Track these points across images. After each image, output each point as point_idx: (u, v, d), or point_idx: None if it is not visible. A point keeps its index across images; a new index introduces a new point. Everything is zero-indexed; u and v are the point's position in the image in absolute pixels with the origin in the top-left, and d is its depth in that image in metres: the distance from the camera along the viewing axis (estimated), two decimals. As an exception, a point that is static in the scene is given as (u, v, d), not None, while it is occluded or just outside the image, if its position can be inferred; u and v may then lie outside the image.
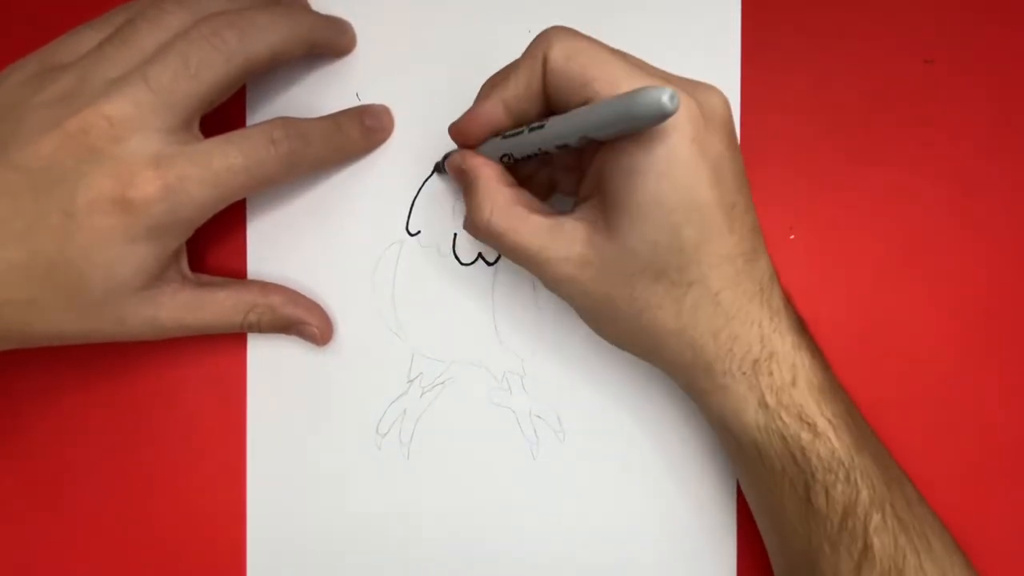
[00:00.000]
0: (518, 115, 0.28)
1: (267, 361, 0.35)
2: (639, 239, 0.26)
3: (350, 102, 0.34)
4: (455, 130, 0.30)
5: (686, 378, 0.29)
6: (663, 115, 0.22)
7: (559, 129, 0.26)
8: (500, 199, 0.28)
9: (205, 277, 0.32)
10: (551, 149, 0.27)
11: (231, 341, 0.35)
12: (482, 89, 0.29)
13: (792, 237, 0.34)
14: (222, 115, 0.31)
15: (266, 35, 0.29)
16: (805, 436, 0.27)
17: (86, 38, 0.29)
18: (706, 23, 0.34)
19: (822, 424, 0.27)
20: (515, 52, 0.34)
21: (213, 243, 0.34)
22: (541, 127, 0.27)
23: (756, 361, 0.27)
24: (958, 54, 0.34)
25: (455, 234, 0.34)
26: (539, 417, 0.34)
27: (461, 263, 0.34)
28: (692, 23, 0.33)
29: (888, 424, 0.33)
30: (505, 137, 0.29)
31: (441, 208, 0.34)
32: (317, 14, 0.33)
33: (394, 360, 0.34)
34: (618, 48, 0.27)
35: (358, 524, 0.34)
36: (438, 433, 0.34)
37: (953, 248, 0.34)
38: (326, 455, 0.34)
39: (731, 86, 0.33)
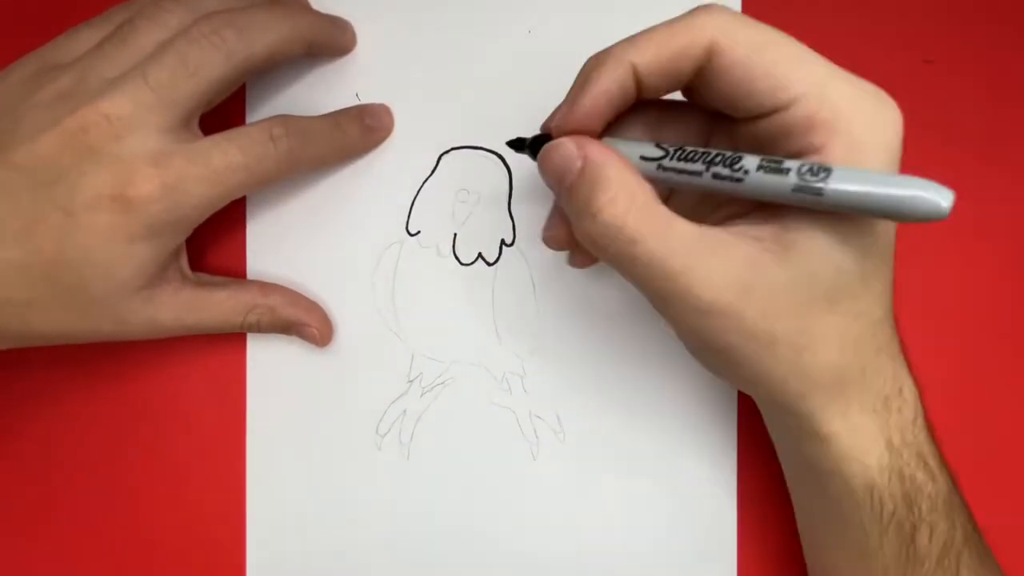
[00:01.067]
0: (651, 90, 0.23)
1: (267, 361, 0.35)
2: (824, 263, 0.22)
3: (350, 102, 0.34)
4: (575, 118, 0.24)
5: (809, 421, 0.25)
6: (939, 218, 0.19)
7: (763, 189, 0.21)
8: (640, 196, 0.22)
9: (205, 277, 0.33)
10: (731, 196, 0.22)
11: (231, 341, 0.35)
12: (591, 60, 0.24)
13: None
14: (222, 114, 0.31)
15: (265, 34, 0.29)
16: (920, 476, 0.26)
17: (85, 37, 0.29)
18: (706, 23, 0.33)
19: (933, 463, 0.26)
20: (515, 52, 0.34)
21: (213, 243, 0.34)
22: (736, 179, 0.21)
23: (887, 397, 0.25)
24: (958, 54, 0.34)
25: (455, 234, 0.34)
26: (539, 417, 0.34)
27: (461, 263, 0.34)
28: (692, 23, 0.33)
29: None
30: (664, 169, 0.23)
31: (441, 208, 0.34)
32: (317, 13, 0.33)
33: (394, 360, 0.34)
34: None
35: (358, 524, 0.34)
36: (438, 433, 0.34)
37: (952, 248, 0.34)
38: (326, 455, 0.34)
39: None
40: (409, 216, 0.34)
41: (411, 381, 0.34)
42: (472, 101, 0.34)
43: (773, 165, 0.21)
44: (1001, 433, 0.34)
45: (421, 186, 0.34)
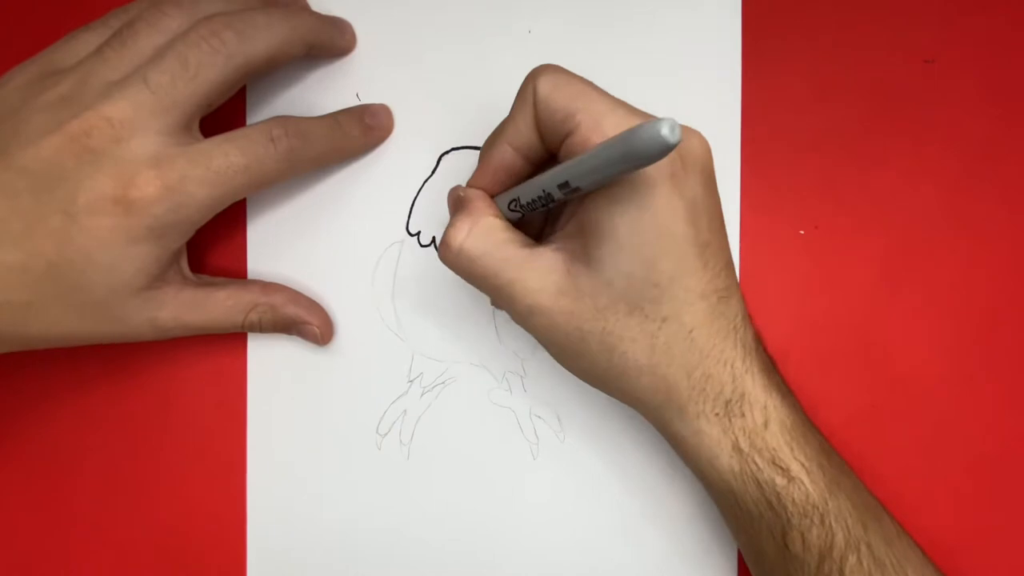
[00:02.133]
0: (526, 153, 0.28)
1: (267, 361, 0.35)
2: (615, 270, 0.26)
3: (350, 102, 0.34)
4: (471, 182, 0.30)
5: (660, 420, 0.28)
6: (666, 148, 0.21)
7: (560, 173, 0.25)
8: (482, 223, 0.28)
9: (206, 277, 0.33)
10: (555, 194, 0.26)
11: (231, 341, 0.35)
12: (487, 140, 0.29)
13: (802, 232, 0.34)
14: (222, 115, 0.31)
15: (264, 36, 0.29)
16: (779, 481, 0.27)
17: (85, 41, 0.29)
18: (706, 23, 0.33)
19: (795, 468, 0.27)
20: (515, 52, 0.34)
21: (213, 243, 0.34)
22: (549, 196, 0.26)
23: (728, 402, 0.27)
24: (958, 54, 0.34)
25: (455, 234, 0.34)
26: (539, 417, 0.34)
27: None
28: (692, 23, 0.33)
29: (882, 427, 0.33)
30: (514, 206, 0.28)
31: (441, 208, 0.34)
32: (317, 14, 0.33)
33: (394, 360, 0.34)
34: (600, 86, 0.27)
35: (358, 524, 0.34)
36: (438, 433, 0.34)
37: (953, 248, 0.34)
38: (326, 455, 0.34)
39: (731, 86, 0.33)
40: (409, 216, 0.34)
41: (411, 381, 0.34)
42: (472, 101, 0.34)
43: (558, 175, 0.26)
44: (1002, 434, 0.34)
45: (421, 186, 0.34)
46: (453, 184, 0.34)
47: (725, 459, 0.27)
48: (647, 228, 0.25)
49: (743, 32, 0.33)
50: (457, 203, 0.29)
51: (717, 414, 0.27)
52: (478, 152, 0.34)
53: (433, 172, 0.34)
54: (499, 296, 0.28)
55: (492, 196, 0.29)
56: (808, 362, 0.33)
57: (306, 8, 0.33)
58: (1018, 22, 0.34)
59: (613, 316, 0.26)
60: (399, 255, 0.34)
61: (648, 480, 0.34)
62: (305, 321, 0.33)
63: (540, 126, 0.27)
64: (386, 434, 0.34)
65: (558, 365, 0.34)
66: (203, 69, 0.28)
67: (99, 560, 0.35)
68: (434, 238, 0.34)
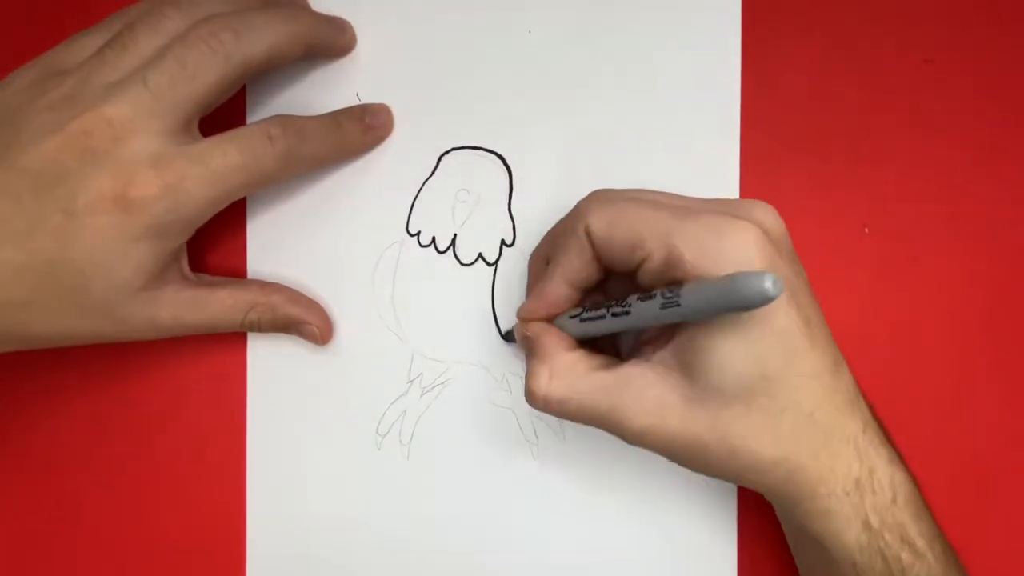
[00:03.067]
0: (582, 287, 0.28)
1: (267, 361, 0.35)
2: (724, 375, 0.25)
3: (350, 102, 0.34)
4: (525, 312, 0.30)
5: (787, 504, 0.28)
6: (767, 301, 0.22)
7: (646, 315, 0.25)
8: (560, 363, 0.27)
9: (205, 277, 0.33)
10: (647, 325, 0.26)
11: (231, 341, 0.35)
12: (531, 264, 0.30)
13: (867, 231, 0.33)
14: (222, 115, 0.31)
15: (263, 36, 0.29)
16: (906, 557, 0.26)
17: (86, 44, 0.29)
18: (706, 23, 0.33)
19: (921, 544, 0.27)
20: (515, 52, 0.34)
21: (213, 243, 0.34)
22: (626, 312, 0.26)
23: (858, 480, 0.26)
24: (958, 54, 0.34)
25: (455, 234, 0.34)
26: (539, 417, 0.34)
27: (461, 263, 0.34)
28: (692, 23, 0.33)
29: (889, 424, 0.33)
30: (583, 320, 0.28)
31: (441, 208, 0.34)
32: (316, 14, 0.33)
33: (394, 360, 0.34)
34: (651, 189, 0.28)
35: (358, 524, 0.34)
36: (438, 433, 0.34)
37: (953, 248, 0.34)
38: (326, 455, 0.34)
39: (731, 86, 0.33)
40: (409, 216, 0.34)
41: (411, 381, 0.34)
42: (472, 101, 0.34)
43: (645, 296, 0.26)
44: (1002, 434, 0.34)
45: (421, 186, 0.34)
46: (453, 184, 0.34)
47: (853, 535, 0.27)
48: (751, 329, 0.25)
49: (743, 32, 0.33)
50: (527, 345, 0.29)
51: (847, 492, 0.26)
52: (478, 152, 0.34)
53: (433, 172, 0.34)
54: (606, 427, 0.27)
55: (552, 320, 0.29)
56: (808, 362, 0.33)
57: (306, 8, 0.33)
58: (1018, 22, 0.34)
59: (730, 419, 0.26)
60: (399, 255, 0.34)
61: (648, 480, 0.34)
62: (304, 321, 0.33)
63: (601, 260, 0.27)
64: (386, 434, 0.34)
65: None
66: (202, 70, 0.28)
67: (99, 560, 0.35)
68: (434, 238, 0.34)
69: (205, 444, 0.35)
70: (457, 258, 0.34)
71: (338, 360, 0.34)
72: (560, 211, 0.33)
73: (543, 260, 0.30)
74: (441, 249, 0.34)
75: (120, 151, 0.27)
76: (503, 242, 0.34)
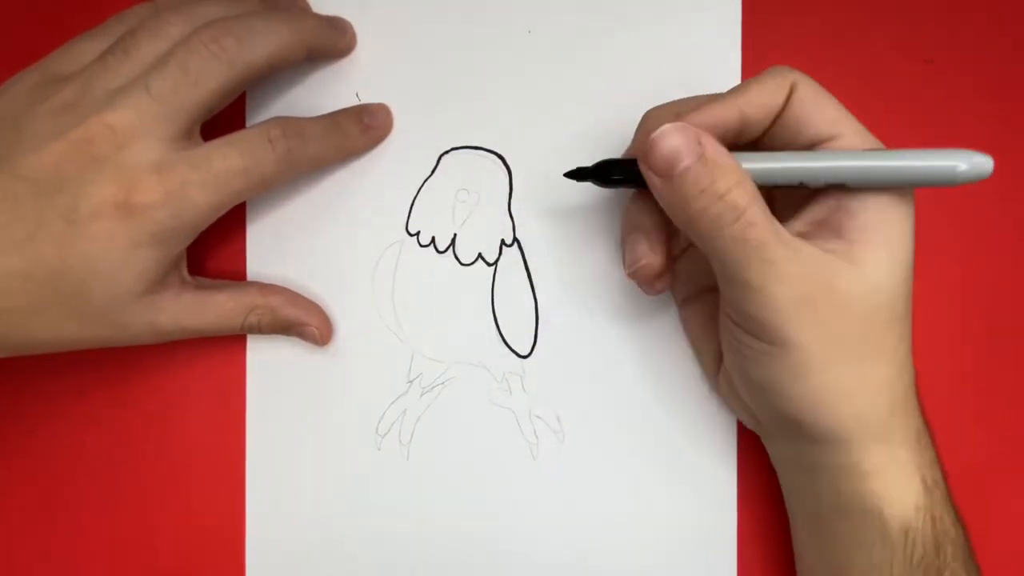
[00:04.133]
0: (746, 127, 0.26)
1: (267, 361, 0.35)
2: (886, 276, 0.25)
3: (350, 102, 0.34)
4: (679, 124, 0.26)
5: (852, 451, 0.26)
6: (976, 179, 0.24)
7: (840, 167, 0.25)
8: (754, 188, 0.25)
9: (204, 280, 0.33)
10: (813, 177, 0.25)
11: (231, 342, 0.35)
12: (648, 120, 0.28)
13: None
14: (222, 118, 0.31)
15: (264, 41, 0.29)
16: (948, 520, 0.27)
17: (87, 49, 0.29)
18: (706, 23, 0.33)
19: (955, 508, 0.27)
20: (515, 52, 0.34)
21: (213, 245, 0.34)
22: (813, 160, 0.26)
23: (919, 432, 0.26)
24: (958, 54, 0.34)
25: (455, 234, 0.34)
26: (539, 417, 0.34)
27: (461, 263, 0.34)
28: (692, 23, 0.33)
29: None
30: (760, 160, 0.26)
31: (441, 208, 0.34)
32: (316, 16, 0.33)
33: (394, 360, 0.34)
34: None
35: (358, 524, 0.34)
36: (438, 433, 0.34)
37: (953, 248, 0.34)
38: (326, 455, 0.34)
39: (731, 86, 0.33)
40: (409, 216, 0.34)
41: (411, 381, 0.34)
42: (472, 101, 0.34)
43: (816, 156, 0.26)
44: (1002, 434, 0.34)
45: (421, 186, 0.34)
46: (453, 184, 0.34)
47: (914, 493, 0.26)
48: (909, 243, 0.25)
49: (743, 32, 0.33)
50: (701, 160, 0.24)
51: (912, 445, 0.26)
52: (478, 152, 0.34)
53: (433, 172, 0.34)
54: (760, 274, 0.25)
55: None
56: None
57: (307, 11, 0.33)
58: (1018, 22, 0.34)
59: (873, 324, 0.25)
60: (399, 255, 0.34)
61: (648, 480, 0.34)
62: (304, 322, 0.33)
63: (786, 120, 0.26)
64: (386, 434, 0.34)
65: (558, 365, 0.34)
66: (204, 75, 0.28)
67: (99, 560, 0.35)
68: (433, 238, 0.34)
69: (205, 444, 0.35)
70: (457, 258, 0.34)
71: (338, 360, 0.34)
72: (560, 211, 0.33)
73: (671, 114, 0.27)
74: (441, 249, 0.34)
75: (122, 157, 0.27)
76: (503, 242, 0.34)
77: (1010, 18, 0.34)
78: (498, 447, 0.34)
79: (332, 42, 0.33)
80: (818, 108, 0.26)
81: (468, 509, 0.34)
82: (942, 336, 0.34)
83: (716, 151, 0.25)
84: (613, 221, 0.33)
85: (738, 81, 0.33)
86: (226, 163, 0.28)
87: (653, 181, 0.25)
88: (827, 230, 0.26)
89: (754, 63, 0.33)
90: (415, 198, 0.34)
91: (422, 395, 0.34)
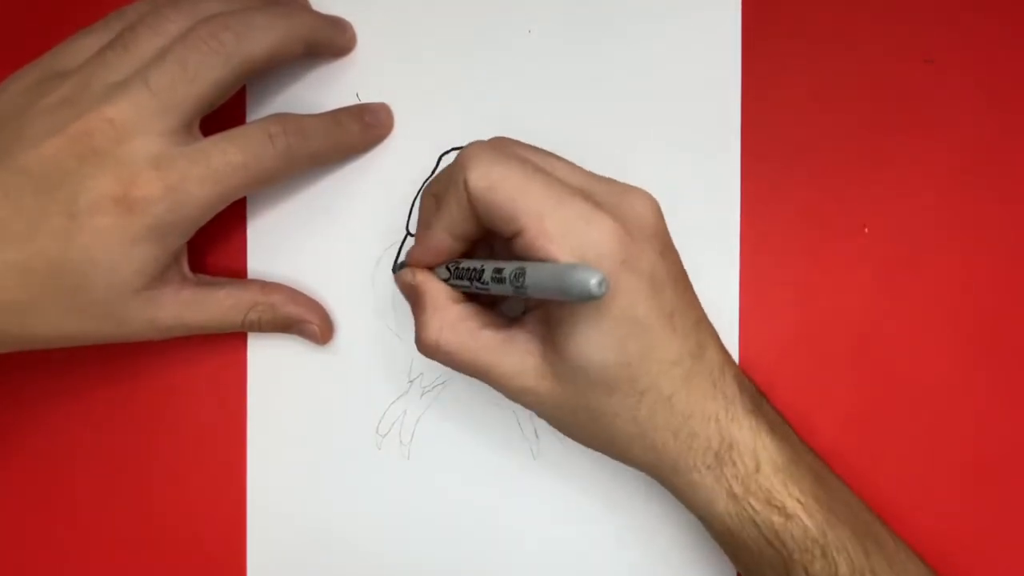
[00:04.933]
0: (465, 237, 0.28)
1: (267, 361, 0.35)
2: (586, 359, 0.26)
3: (350, 102, 0.34)
4: (412, 259, 0.30)
5: (656, 476, 0.29)
6: (593, 298, 0.22)
7: (500, 289, 0.26)
8: (449, 316, 0.28)
9: (205, 277, 0.33)
10: (506, 292, 0.26)
11: (231, 341, 0.35)
12: (423, 199, 0.29)
13: (866, 231, 0.33)
14: (222, 115, 0.31)
15: (263, 35, 0.29)
16: (777, 519, 0.27)
17: (86, 45, 0.29)
18: (706, 23, 0.34)
19: (791, 505, 0.27)
20: (515, 52, 0.34)
21: (213, 243, 0.34)
22: (486, 288, 0.27)
23: (717, 454, 0.27)
24: (958, 54, 0.34)
25: (455, 234, 0.34)
26: (539, 417, 0.34)
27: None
28: (692, 23, 0.33)
29: (881, 427, 0.33)
30: (452, 284, 0.29)
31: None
32: (316, 13, 0.33)
33: (394, 360, 0.34)
34: (543, 150, 0.28)
35: (358, 524, 0.34)
36: (438, 433, 0.34)
37: (953, 248, 0.34)
38: (326, 455, 0.34)
39: (731, 86, 0.33)
40: (409, 216, 0.34)
41: (411, 381, 0.34)
42: (472, 101, 0.34)
43: (496, 275, 0.26)
44: (1001, 435, 0.34)
45: (421, 186, 0.34)
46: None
47: (721, 505, 0.28)
48: (609, 318, 0.26)
49: (743, 32, 0.33)
50: (413, 294, 0.29)
51: (708, 466, 0.28)
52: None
53: (433, 172, 0.34)
54: (487, 381, 0.28)
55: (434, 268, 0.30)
56: (807, 362, 0.33)
57: (306, 7, 0.33)
58: (1018, 22, 0.34)
59: (594, 396, 0.27)
60: (399, 255, 0.34)
61: (648, 480, 0.34)
62: (304, 320, 0.33)
63: (480, 219, 0.27)
64: (386, 434, 0.34)
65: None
66: (202, 70, 0.28)
67: (99, 560, 0.35)
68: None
69: (205, 444, 0.35)
70: (457, 258, 0.34)
71: (338, 360, 0.34)
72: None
73: (431, 195, 0.29)
74: (441, 249, 0.34)
75: (121, 152, 0.27)
76: (503, 242, 0.34)
77: (1010, 18, 0.34)
78: (498, 447, 0.34)
79: (331, 39, 0.33)
80: (490, 208, 0.26)
81: (468, 509, 0.34)
82: (942, 336, 0.34)
83: (419, 291, 0.29)
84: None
85: (738, 82, 0.33)
86: (225, 158, 0.28)
87: None
88: (543, 311, 0.28)
89: (754, 63, 0.33)
90: (415, 198, 0.34)
91: (423, 395, 0.34)
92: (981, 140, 0.34)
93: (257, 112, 0.34)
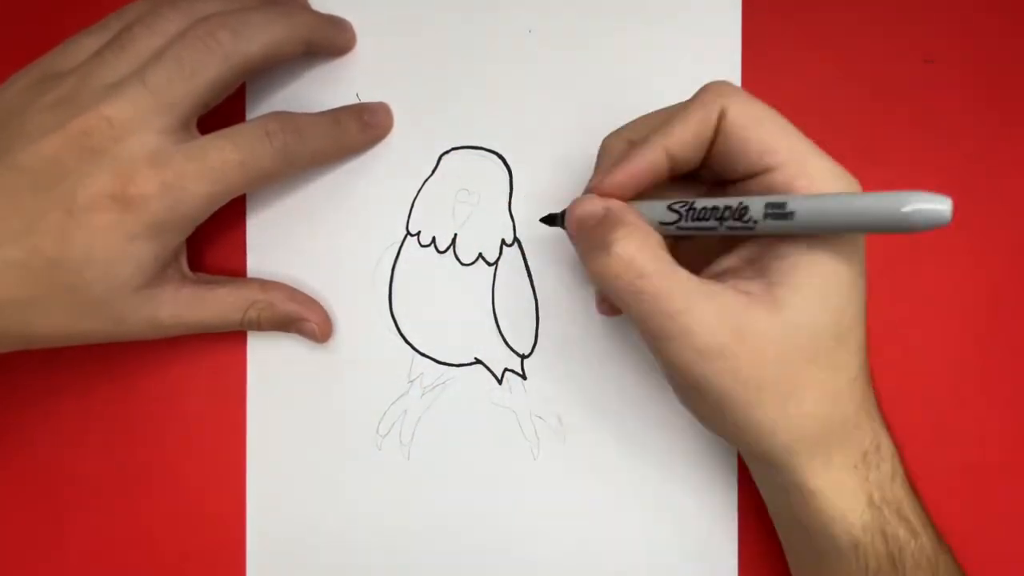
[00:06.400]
0: (680, 165, 0.26)
1: (267, 361, 0.35)
2: (805, 317, 0.25)
3: (350, 102, 0.34)
4: (607, 184, 0.27)
5: (793, 471, 0.26)
6: (938, 226, 0.21)
7: (772, 227, 0.24)
8: (651, 239, 0.25)
9: (205, 276, 0.33)
10: (755, 218, 0.24)
11: (231, 340, 0.35)
12: (606, 146, 0.28)
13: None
14: (221, 114, 0.31)
15: (260, 34, 0.29)
16: (903, 534, 0.26)
17: (85, 45, 0.29)
18: (706, 23, 0.34)
19: (915, 521, 0.27)
20: (515, 52, 0.34)
21: (213, 242, 0.34)
22: (748, 225, 0.24)
23: (866, 453, 0.26)
24: (958, 54, 0.34)
25: (455, 234, 0.34)
26: (539, 417, 0.34)
27: (461, 263, 0.34)
28: (692, 23, 0.33)
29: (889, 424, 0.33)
30: (680, 224, 0.26)
31: (441, 208, 0.34)
32: (315, 12, 0.33)
33: (394, 360, 0.34)
34: None
35: (358, 524, 0.34)
36: (438, 433, 0.34)
37: (952, 248, 0.34)
38: (326, 455, 0.34)
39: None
40: (409, 216, 0.34)
41: (411, 381, 0.34)
42: (472, 101, 0.34)
43: (776, 210, 0.24)
44: (1001, 436, 0.34)
45: (421, 186, 0.34)
46: (453, 184, 0.34)
47: (859, 512, 0.26)
48: (844, 281, 0.25)
49: (743, 32, 0.33)
50: (603, 223, 0.26)
51: (856, 466, 0.26)
52: (478, 152, 0.34)
53: (433, 172, 0.34)
54: (664, 327, 0.25)
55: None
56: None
57: (305, 6, 0.33)
58: (1018, 22, 0.34)
59: (792, 364, 0.25)
60: (399, 255, 0.34)
61: (649, 480, 0.34)
62: (303, 318, 0.33)
63: (719, 149, 0.26)
64: (386, 434, 0.34)
65: (558, 365, 0.34)
66: (199, 69, 0.28)
67: (99, 560, 0.35)
68: (434, 238, 0.34)
69: (205, 444, 0.35)
70: (457, 258, 0.34)
71: (338, 360, 0.34)
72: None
73: (624, 141, 0.28)
74: (441, 249, 0.34)
75: (119, 150, 0.27)
76: (503, 242, 0.34)
77: (1010, 18, 0.34)
78: (498, 447, 0.34)
79: (330, 38, 0.33)
80: (748, 138, 0.25)
81: (468, 509, 0.34)
82: (942, 336, 0.34)
83: (616, 210, 0.26)
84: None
85: (738, 82, 0.33)
86: (222, 156, 0.28)
87: (573, 243, 0.28)
88: (753, 269, 0.26)
89: (754, 63, 0.33)
90: (415, 198, 0.34)
91: (423, 395, 0.34)
92: (981, 140, 0.34)
93: (256, 111, 0.34)
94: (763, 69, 0.34)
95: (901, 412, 0.33)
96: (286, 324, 0.33)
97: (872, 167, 0.34)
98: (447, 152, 0.34)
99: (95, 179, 0.27)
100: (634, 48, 0.34)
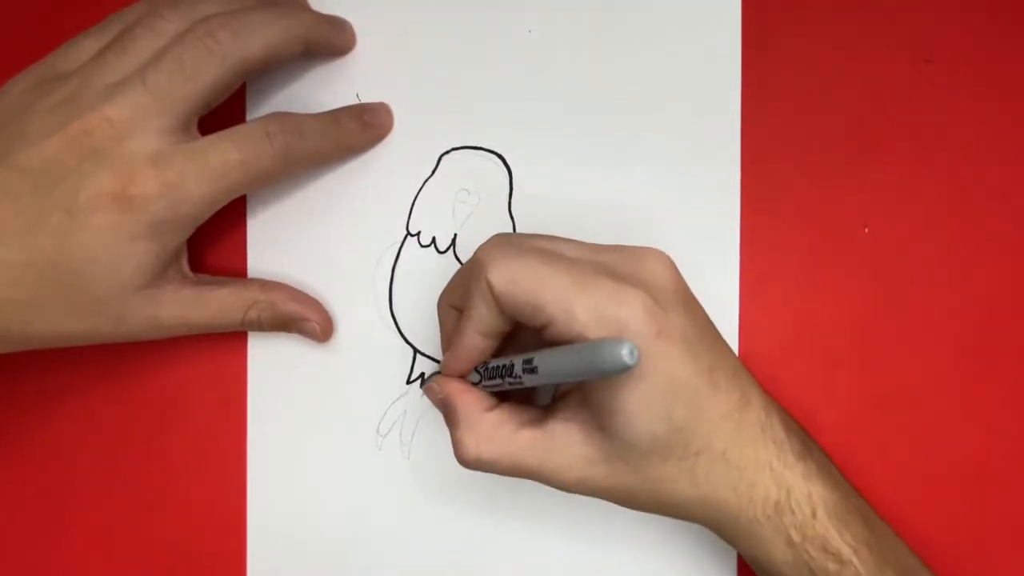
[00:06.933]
0: (495, 334, 0.28)
1: (267, 361, 0.35)
2: (635, 434, 0.26)
3: (350, 102, 0.34)
4: (447, 369, 0.30)
5: (716, 529, 0.29)
6: (627, 368, 0.22)
7: (533, 380, 0.26)
8: (484, 427, 0.28)
9: (206, 277, 0.33)
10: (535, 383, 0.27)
11: (231, 340, 0.35)
12: (440, 311, 0.30)
13: (867, 231, 0.33)
14: (222, 114, 0.31)
15: (260, 34, 0.29)
16: (832, 567, 0.27)
17: (86, 47, 0.29)
18: (706, 23, 0.33)
19: (845, 552, 0.27)
20: (515, 52, 0.34)
21: (213, 243, 0.34)
22: (520, 382, 0.26)
23: (777, 503, 0.27)
24: (958, 54, 0.34)
25: (455, 234, 0.34)
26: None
27: (461, 263, 0.34)
28: (692, 23, 0.33)
29: (882, 428, 0.33)
30: (485, 387, 0.29)
31: (441, 208, 0.34)
32: (315, 13, 0.33)
33: (394, 360, 0.34)
34: (550, 236, 0.28)
35: (358, 524, 0.34)
36: (439, 433, 0.34)
37: (952, 248, 0.34)
38: (326, 455, 0.34)
39: (731, 86, 0.33)
40: (409, 216, 0.34)
41: (412, 381, 0.34)
42: (472, 101, 0.34)
43: (527, 366, 0.26)
44: (1001, 436, 0.34)
45: (421, 186, 0.34)
46: (453, 184, 0.34)
47: (779, 553, 0.28)
48: (652, 391, 0.25)
49: (743, 32, 0.33)
50: (445, 408, 0.29)
51: (768, 516, 0.27)
52: (478, 152, 0.34)
53: (433, 172, 0.34)
54: (538, 480, 0.28)
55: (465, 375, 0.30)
56: (808, 363, 0.33)
57: (305, 7, 0.33)
58: (1018, 22, 0.34)
59: (650, 468, 0.27)
60: (399, 255, 0.34)
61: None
62: (304, 317, 0.33)
63: (506, 314, 0.27)
64: (386, 434, 0.34)
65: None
66: (199, 70, 0.28)
67: (99, 560, 0.35)
68: (434, 238, 0.34)
69: (205, 444, 0.35)
70: (457, 258, 0.34)
71: (338, 360, 0.34)
72: (560, 211, 0.33)
73: (449, 306, 0.30)
74: (441, 249, 0.34)
75: (120, 150, 0.27)
76: (503, 242, 0.34)
77: (1010, 18, 0.34)
78: (498, 447, 0.34)
79: (330, 38, 0.33)
80: (517, 302, 0.26)
81: (468, 509, 0.34)
82: (942, 336, 0.34)
83: (448, 398, 0.29)
84: (614, 221, 0.33)
85: (738, 82, 0.33)
86: (223, 156, 0.28)
87: None
88: (579, 409, 0.28)
89: (754, 63, 0.33)
90: (415, 198, 0.34)
91: (423, 395, 0.34)
92: (981, 140, 0.34)
93: (257, 111, 0.34)
94: (763, 69, 0.34)
95: (901, 412, 0.33)
96: (287, 324, 0.33)
97: (872, 167, 0.34)
98: (447, 152, 0.34)
99: (96, 179, 0.27)
100: (634, 48, 0.34)
